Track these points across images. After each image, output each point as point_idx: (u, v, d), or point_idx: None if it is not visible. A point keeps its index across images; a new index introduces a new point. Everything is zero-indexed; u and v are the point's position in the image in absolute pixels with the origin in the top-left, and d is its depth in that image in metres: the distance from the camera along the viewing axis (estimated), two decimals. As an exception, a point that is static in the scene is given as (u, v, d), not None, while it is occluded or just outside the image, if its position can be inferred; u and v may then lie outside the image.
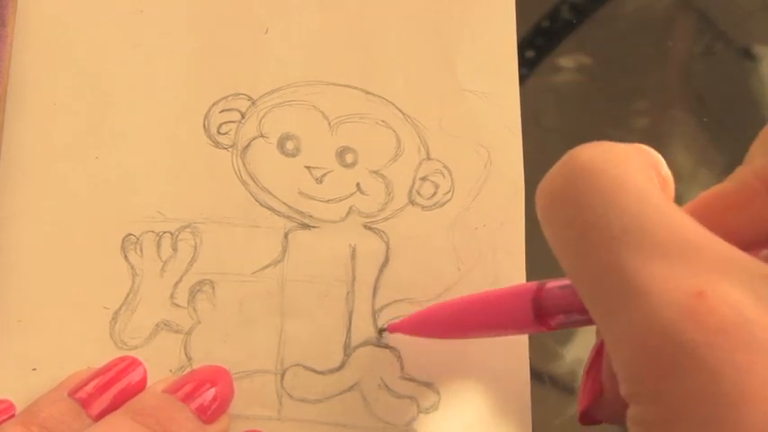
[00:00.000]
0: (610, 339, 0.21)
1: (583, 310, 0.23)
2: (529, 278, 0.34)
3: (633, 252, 0.20)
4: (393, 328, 0.32)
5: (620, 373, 0.20)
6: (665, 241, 0.20)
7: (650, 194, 0.21)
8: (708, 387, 0.18)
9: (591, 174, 0.21)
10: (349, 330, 0.33)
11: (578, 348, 0.37)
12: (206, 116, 0.35)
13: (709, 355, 0.18)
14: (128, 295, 0.32)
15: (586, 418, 0.26)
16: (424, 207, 0.34)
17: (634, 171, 0.21)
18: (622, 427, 0.21)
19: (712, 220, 0.21)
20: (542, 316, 0.26)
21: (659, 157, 0.22)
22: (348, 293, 0.33)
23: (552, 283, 0.26)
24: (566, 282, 0.26)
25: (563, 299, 0.26)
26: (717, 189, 0.23)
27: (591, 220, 0.21)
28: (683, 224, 0.20)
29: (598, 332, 0.26)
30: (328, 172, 0.34)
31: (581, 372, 0.36)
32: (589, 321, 0.24)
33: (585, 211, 0.21)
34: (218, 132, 0.35)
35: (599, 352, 0.26)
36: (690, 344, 0.19)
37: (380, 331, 0.33)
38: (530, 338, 0.33)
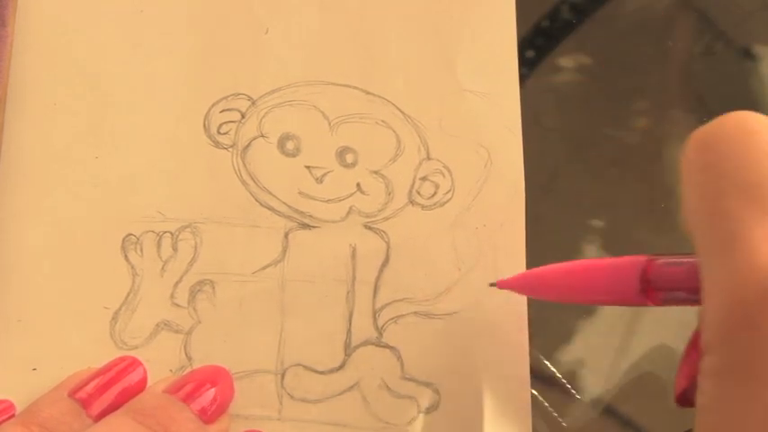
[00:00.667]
0: (708, 285, 0.22)
1: (689, 290, 0.25)
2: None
3: (750, 207, 0.21)
4: (503, 285, 0.32)
5: (708, 318, 0.21)
6: None
7: None
8: None
9: (741, 132, 0.23)
10: (349, 330, 0.33)
11: (578, 348, 0.37)
12: (206, 116, 0.35)
13: None
14: (128, 295, 0.32)
15: (683, 400, 0.27)
16: (424, 207, 0.34)
17: None
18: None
19: None
20: (648, 290, 0.27)
21: None
22: (348, 293, 0.33)
23: (663, 259, 0.27)
24: (676, 259, 0.27)
25: (672, 275, 0.26)
26: None
27: (727, 169, 0.22)
28: None
29: (701, 315, 0.27)
30: (328, 172, 0.34)
31: (581, 372, 0.36)
32: (692, 301, 0.25)
33: (725, 160, 0.22)
34: (219, 132, 0.35)
35: (696, 337, 0.26)
36: None
37: (490, 284, 0.33)
38: (530, 338, 0.33)
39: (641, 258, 0.27)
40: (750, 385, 0.20)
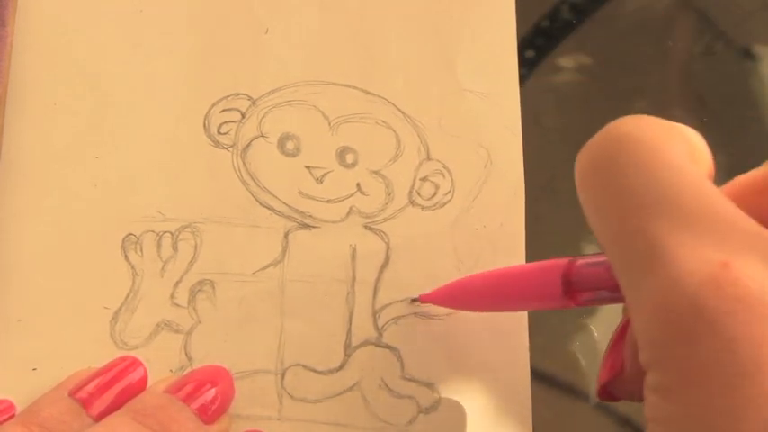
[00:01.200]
0: (634, 304, 0.21)
1: (611, 288, 0.24)
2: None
3: (664, 220, 0.21)
4: (425, 299, 0.32)
5: (640, 338, 0.21)
6: (696, 213, 0.20)
7: (685, 168, 0.21)
8: (724, 355, 0.19)
9: (630, 143, 0.22)
10: (349, 330, 0.33)
11: (578, 348, 0.37)
12: (206, 116, 0.35)
13: (728, 323, 0.19)
14: (128, 295, 0.32)
15: (605, 393, 0.27)
16: (424, 207, 0.34)
17: (672, 145, 0.22)
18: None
19: (744, 202, 0.21)
20: (571, 291, 0.27)
21: (698, 136, 0.23)
22: (348, 293, 0.33)
23: (582, 260, 0.27)
24: (596, 259, 0.26)
25: (592, 276, 0.26)
26: (750, 174, 0.24)
27: (626, 186, 0.21)
28: (714, 199, 0.21)
29: (624, 311, 0.27)
30: (328, 172, 0.34)
31: (581, 371, 0.36)
32: (616, 299, 0.25)
33: (622, 178, 0.22)
34: (219, 132, 0.35)
35: (623, 330, 0.26)
36: (710, 311, 0.19)
37: (412, 300, 0.33)
38: (530, 338, 0.33)
39: (562, 261, 0.27)
40: (695, 398, 0.20)
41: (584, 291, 0.27)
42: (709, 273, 0.19)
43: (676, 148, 0.22)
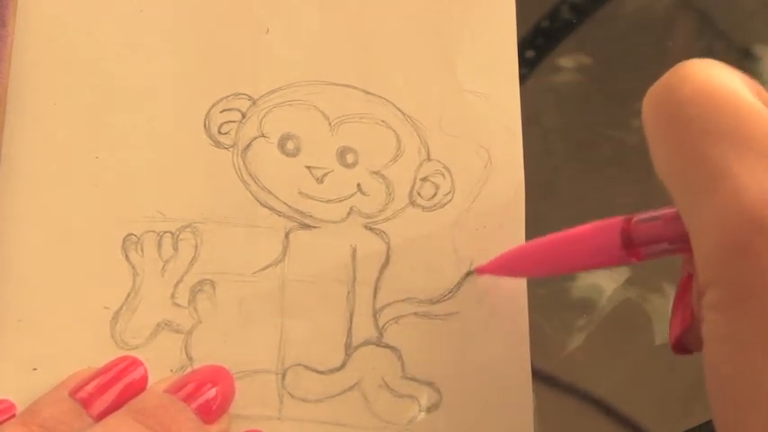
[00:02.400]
0: (695, 227, 0.23)
1: (671, 239, 0.26)
2: (529, 279, 0.34)
3: (726, 144, 0.22)
4: (482, 270, 0.33)
5: (700, 259, 0.22)
6: (757, 137, 0.22)
7: (747, 98, 0.23)
8: None
9: (695, 77, 0.23)
10: (350, 330, 0.33)
11: (578, 348, 0.37)
12: (206, 116, 0.35)
13: None
14: (128, 295, 0.32)
15: (678, 347, 0.28)
16: (424, 208, 0.34)
17: (734, 79, 0.23)
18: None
19: None
20: (631, 247, 0.28)
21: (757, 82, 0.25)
22: (349, 293, 0.33)
23: (639, 216, 0.28)
24: (653, 214, 0.27)
25: (652, 229, 0.27)
26: None
27: (690, 115, 0.23)
28: None
29: (684, 264, 0.28)
30: (329, 172, 0.34)
31: (581, 372, 0.36)
32: (676, 250, 0.26)
33: (687, 106, 0.23)
34: (219, 132, 0.35)
35: (686, 283, 0.27)
36: None
37: (467, 274, 0.34)
38: (530, 338, 0.33)
39: (618, 219, 0.28)
40: (755, 310, 0.21)
41: (643, 245, 0.27)
42: None
43: (737, 82, 0.23)
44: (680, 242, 0.26)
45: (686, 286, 0.27)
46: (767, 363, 0.21)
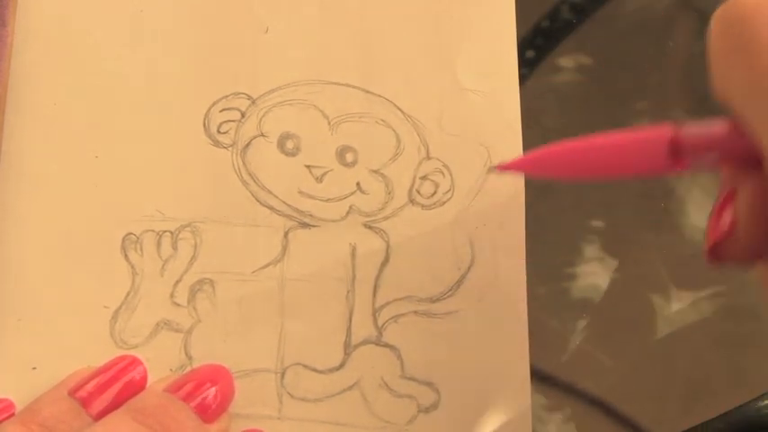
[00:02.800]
0: None
1: (724, 151, 0.26)
2: (529, 278, 0.34)
3: None
4: (506, 167, 0.31)
5: None
6: None
7: None
8: None
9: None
10: (349, 329, 0.33)
11: (578, 348, 0.37)
12: (206, 115, 0.35)
13: None
14: (128, 294, 0.32)
15: (713, 255, 0.27)
16: (424, 206, 0.34)
17: None
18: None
19: None
20: (678, 154, 0.27)
21: None
22: (348, 292, 0.33)
23: (690, 125, 0.27)
24: (702, 125, 0.27)
25: (701, 139, 0.26)
26: None
27: (759, 26, 0.23)
28: None
29: (728, 180, 0.28)
30: (328, 171, 0.34)
31: (581, 372, 0.36)
32: (726, 163, 0.26)
33: (754, 23, 0.24)
34: (218, 131, 0.35)
35: (727, 198, 0.27)
36: None
37: (489, 171, 0.33)
38: (530, 338, 0.33)
39: (667, 127, 0.27)
40: None
41: (692, 153, 0.27)
42: None
43: None
44: (732, 156, 0.25)
45: (728, 199, 0.27)
46: None
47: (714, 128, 0.26)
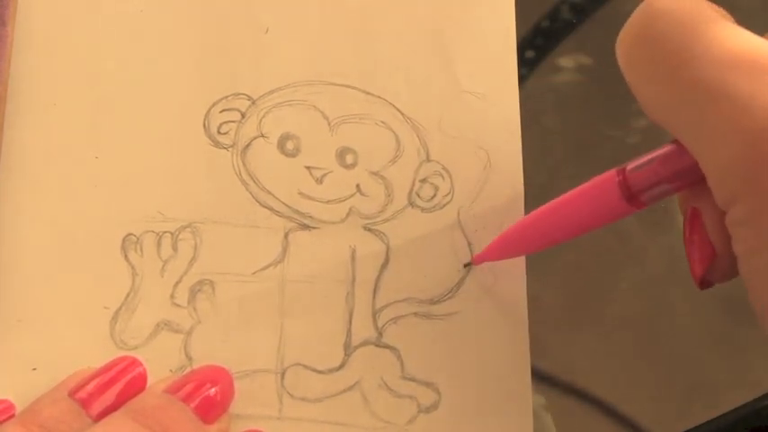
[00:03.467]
0: (705, 151, 0.23)
1: (670, 179, 0.26)
2: (529, 279, 0.34)
3: (717, 66, 0.22)
4: (479, 259, 0.33)
5: (718, 181, 0.23)
6: (747, 53, 0.22)
7: (721, 20, 0.23)
8: None
9: (667, 11, 0.24)
10: (349, 330, 0.33)
11: (578, 348, 0.37)
12: (206, 116, 0.35)
13: None
14: (128, 295, 0.32)
15: (705, 284, 0.28)
16: (423, 209, 0.34)
17: (703, 7, 0.24)
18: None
19: None
20: (632, 197, 0.27)
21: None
22: (348, 294, 0.33)
23: (631, 165, 0.28)
24: (643, 160, 0.27)
25: (648, 174, 0.27)
26: None
27: (672, 48, 0.23)
28: (759, 43, 0.23)
29: (682, 204, 0.28)
30: (328, 172, 0.34)
31: (581, 372, 0.36)
32: (677, 188, 0.26)
33: (666, 42, 0.24)
34: (219, 132, 0.35)
35: (693, 220, 0.27)
36: None
37: (467, 267, 0.34)
38: (530, 338, 0.33)
39: (611, 173, 0.28)
40: None
41: (644, 191, 0.27)
42: None
43: (707, 8, 0.24)
44: (678, 180, 0.26)
45: (694, 222, 0.27)
46: None
47: (655, 159, 0.26)
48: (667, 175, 0.26)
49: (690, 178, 0.25)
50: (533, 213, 0.31)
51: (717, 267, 0.27)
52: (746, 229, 0.23)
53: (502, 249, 0.32)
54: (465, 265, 0.34)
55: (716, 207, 0.24)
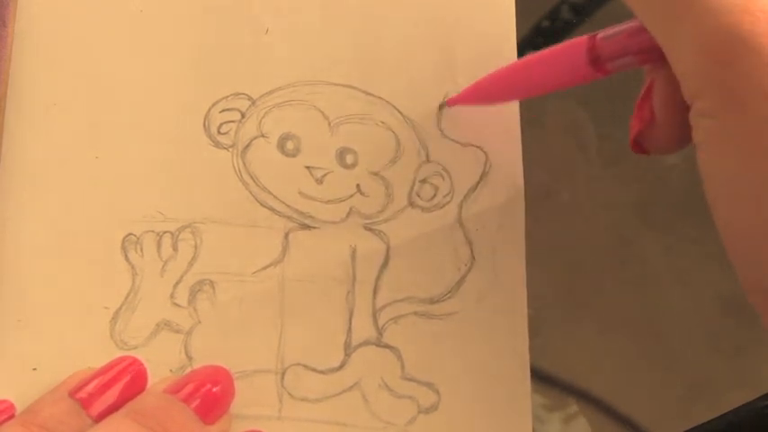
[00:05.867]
0: (675, 47, 0.25)
1: (635, 52, 0.28)
2: (528, 280, 0.34)
3: None
4: (452, 101, 0.35)
5: (684, 74, 0.25)
6: None
7: None
8: (761, 69, 0.23)
9: None
10: (349, 330, 0.33)
11: (578, 349, 0.37)
12: (206, 116, 0.35)
13: (762, 43, 0.23)
14: (128, 295, 0.32)
15: (637, 146, 0.30)
16: (423, 209, 0.34)
17: None
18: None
19: None
20: (598, 63, 0.29)
21: None
22: (348, 293, 0.33)
23: (602, 33, 0.29)
24: (615, 29, 0.29)
25: (617, 44, 0.29)
26: None
27: None
28: None
29: (648, 73, 0.29)
30: (328, 172, 0.34)
31: (581, 372, 0.36)
32: (641, 62, 0.28)
33: None
34: (219, 132, 0.35)
35: (648, 89, 0.29)
36: (747, 34, 0.23)
37: (441, 107, 0.35)
38: (530, 339, 0.33)
39: (583, 38, 0.30)
40: (739, 111, 0.23)
41: (610, 60, 0.29)
42: (741, 5, 0.23)
43: None
44: (644, 53, 0.28)
45: (648, 92, 0.29)
46: (759, 157, 0.23)
47: (625, 31, 0.28)
48: (633, 49, 0.28)
49: (653, 55, 0.27)
50: (509, 65, 0.33)
51: (652, 135, 0.29)
52: (708, 120, 0.24)
53: (475, 94, 0.34)
54: (440, 107, 0.35)
55: (668, 84, 0.27)
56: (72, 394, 0.30)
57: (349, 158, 0.35)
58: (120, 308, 0.32)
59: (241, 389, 0.32)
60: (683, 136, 0.27)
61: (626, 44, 0.28)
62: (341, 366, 0.32)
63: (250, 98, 0.35)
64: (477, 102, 0.35)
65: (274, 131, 0.35)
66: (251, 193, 0.34)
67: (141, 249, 0.33)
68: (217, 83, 0.35)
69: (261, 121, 0.35)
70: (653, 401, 0.37)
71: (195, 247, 0.33)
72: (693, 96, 0.25)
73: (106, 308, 0.32)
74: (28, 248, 0.33)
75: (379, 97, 0.35)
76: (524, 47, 0.39)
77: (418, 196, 0.34)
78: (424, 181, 0.35)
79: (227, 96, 0.35)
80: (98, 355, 0.31)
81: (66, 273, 0.32)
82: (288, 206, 0.34)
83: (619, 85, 0.35)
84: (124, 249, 0.33)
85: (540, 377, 0.35)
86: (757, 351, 0.38)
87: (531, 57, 0.32)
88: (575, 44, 0.30)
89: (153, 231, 0.33)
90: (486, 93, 0.34)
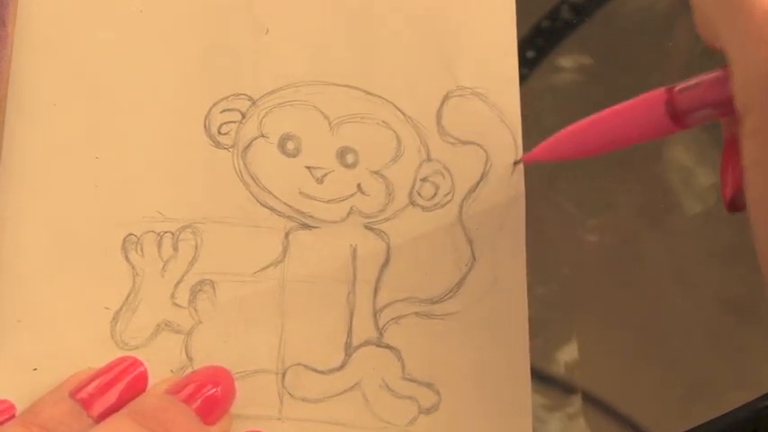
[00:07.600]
0: (734, 59, 0.24)
1: (714, 104, 0.27)
2: (529, 279, 0.34)
3: None
4: (528, 157, 0.34)
5: (738, 87, 0.24)
6: None
7: None
8: None
9: None
10: (350, 330, 0.33)
11: (578, 348, 0.37)
12: (206, 116, 0.35)
13: None
14: (128, 295, 0.32)
15: (732, 206, 0.29)
16: (424, 208, 0.34)
17: None
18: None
19: None
20: (677, 116, 0.29)
21: None
22: (349, 293, 0.33)
23: (680, 86, 0.29)
24: (692, 82, 0.28)
25: (694, 97, 0.28)
26: None
27: None
28: None
29: (725, 127, 0.29)
30: (329, 172, 0.34)
31: (581, 372, 0.36)
32: (719, 114, 0.28)
33: None
34: (219, 132, 0.35)
35: (730, 145, 0.28)
36: None
37: (515, 163, 0.35)
38: (530, 338, 0.33)
39: (660, 90, 0.29)
40: None
41: (688, 113, 0.28)
42: None
43: None
44: (722, 106, 0.27)
45: (731, 148, 0.28)
46: None
47: (703, 83, 0.28)
48: (711, 101, 0.27)
49: (732, 107, 0.26)
50: (585, 120, 0.32)
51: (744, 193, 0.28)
52: (750, 142, 0.24)
53: (551, 150, 0.33)
54: (515, 163, 0.35)
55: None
56: (72, 395, 0.30)
57: (349, 158, 0.35)
58: (121, 308, 0.32)
59: (242, 389, 0.32)
60: None
61: (704, 96, 0.28)
62: (341, 366, 0.33)
63: (250, 98, 0.35)
64: (552, 157, 0.33)
65: (275, 131, 0.35)
66: (251, 193, 0.34)
67: (142, 249, 0.33)
68: (217, 83, 0.35)
69: (261, 121, 0.35)
70: (653, 401, 0.37)
71: (196, 247, 0.33)
72: (744, 112, 0.24)
73: (107, 308, 0.32)
74: (28, 248, 0.33)
75: (380, 96, 0.35)
76: (524, 47, 0.39)
77: (419, 195, 0.34)
78: (424, 180, 0.35)
79: (228, 97, 0.35)
80: (98, 355, 0.31)
81: (66, 273, 0.32)
82: (288, 206, 0.34)
83: (618, 84, 0.35)
84: (124, 249, 0.33)
85: (540, 377, 0.35)
86: (757, 351, 0.38)
87: (608, 111, 0.31)
88: (652, 97, 0.29)
89: (153, 231, 0.33)
90: (563, 148, 0.33)
